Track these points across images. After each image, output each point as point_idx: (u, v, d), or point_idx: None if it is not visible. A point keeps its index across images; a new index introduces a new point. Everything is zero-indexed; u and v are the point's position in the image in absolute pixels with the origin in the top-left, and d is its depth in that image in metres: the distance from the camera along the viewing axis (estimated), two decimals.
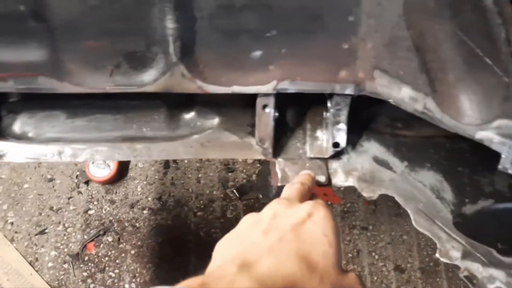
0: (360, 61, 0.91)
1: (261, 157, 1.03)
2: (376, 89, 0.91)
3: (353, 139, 1.03)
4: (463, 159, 1.02)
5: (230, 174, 1.92)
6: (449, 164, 1.01)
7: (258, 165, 1.94)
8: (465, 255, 0.94)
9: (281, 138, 1.03)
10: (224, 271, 0.55)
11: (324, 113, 1.00)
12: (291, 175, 1.00)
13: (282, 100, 1.00)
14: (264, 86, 0.92)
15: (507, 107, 0.81)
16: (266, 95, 0.93)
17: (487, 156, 0.97)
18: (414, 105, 0.89)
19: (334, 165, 1.02)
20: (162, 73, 0.91)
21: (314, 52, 0.91)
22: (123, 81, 0.92)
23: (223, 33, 0.90)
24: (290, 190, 0.78)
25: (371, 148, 1.03)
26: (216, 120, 1.05)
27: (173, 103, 1.06)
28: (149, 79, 0.91)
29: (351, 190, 1.92)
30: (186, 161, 1.94)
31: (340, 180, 1.01)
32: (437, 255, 0.96)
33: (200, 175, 1.91)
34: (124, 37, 0.88)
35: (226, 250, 0.64)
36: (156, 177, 1.90)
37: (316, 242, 0.61)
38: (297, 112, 1.05)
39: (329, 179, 1.01)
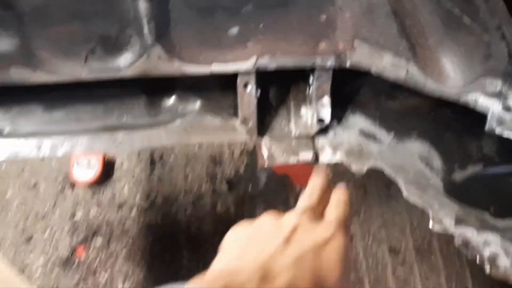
0: (339, 32, 0.90)
1: (246, 138, 1.01)
2: (358, 59, 0.90)
3: (338, 113, 1.02)
4: (449, 126, 1.01)
5: (217, 167, 1.89)
6: (436, 131, 1.00)
7: (246, 156, 1.92)
8: (459, 221, 0.93)
9: (265, 117, 1.01)
10: (247, 279, 0.55)
11: (307, 89, 0.99)
12: (278, 154, 0.99)
13: (264, 78, 0.99)
14: (243, 63, 0.90)
15: (489, 65, 0.80)
16: (247, 73, 0.91)
17: (473, 121, 0.96)
18: (396, 72, 0.88)
19: (320, 141, 1.00)
20: (139, 56, 0.88)
21: (292, 25, 0.90)
22: (99, 67, 0.89)
23: (198, 10, 0.88)
24: (310, 201, 0.74)
25: (357, 121, 1.02)
26: (198, 104, 1.03)
27: (153, 89, 1.03)
28: (125, 64, 0.89)
29: (340, 176, 1.91)
30: (172, 157, 1.91)
31: (327, 156, 1.00)
32: (430, 225, 0.94)
33: (187, 171, 1.88)
34: (96, 20, 0.86)
35: (242, 245, 0.63)
36: (143, 175, 1.87)
37: (333, 268, 0.61)
38: (280, 90, 1.03)
39: (316, 156, 0.99)
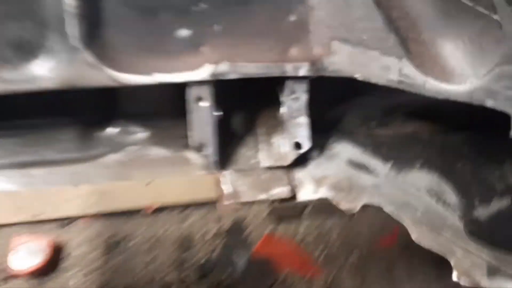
0: (313, 34, 0.74)
1: (202, 171, 0.78)
2: (337, 66, 0.72)
3: (320, 142, 0.81)
4: (460, 154, 0.80)
5: (186, 252, 1.60)
6: (445, 160, 0.79)
7: (219, 238, 1.64)
8: (492, 272, 0.68)
9: (227, 147, 0.80)
10: None
11: (280, 110, 0.79)
12: (244, 190, 0.76)
13: (224, 101, 0.80)
14: (195, 72, 0.71)
15: (503, 50, 0.63)
16: (200, 84, 0.72)
17: (490, 145, 0.76)
18: (386, 75, 0.70)
19: (299, 174, 0.78)
20: (61, 62, 0.69)
21: (255, 27, 0.74)
22: (10, 76, 0.70)
23: (139, 9, 0.71)
24: None
25: (343, 150, 0.81)
26: (143, 134, 0.82)
27: (87, 120, 0.83)
28: (44, 72, 0.70)
29: (333, 257, 1.63)
30: (132, 242, 1.63)
31: (308, 192, 0.77)
32: (454, 278, 0.69)
33: (150, 257, 1.58)
34: (7, 21, 0.69)
35: None
36: (98, 263, 1.57)
37: None
38: (246, 116, 0.84)
39: (293, 191, 0.76)
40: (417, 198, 0.75)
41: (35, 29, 0.69)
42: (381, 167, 0.79)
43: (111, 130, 0.82)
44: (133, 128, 0.82)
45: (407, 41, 0.69)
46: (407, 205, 0.75)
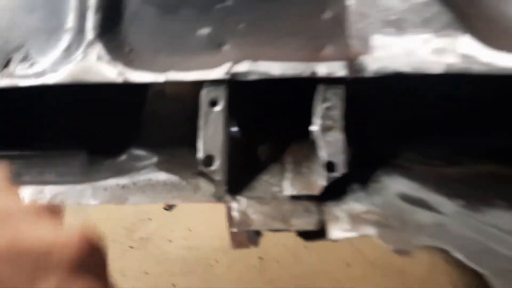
0: (350, 30, 0.62)
1: (209, 199, 0.62)
2: (379, 62, 0.59)
3: (363, 175, 0.63)
4: None
5: None
6: None
7: None
8: None
9: (245, 170, 0.65)
10: None
11: (310, 129, 0.64)
12: (256, 218, 0.58)
13: (249, 123, 0.68)
14: (212, 71, 0.62)
15: None
16: (216, 84, 0.62)
17: None
18: (442, 58, 0.54)
19: (333, 208, 0.59)
20: (70, 54, 0.65)
21: (285, 26, 0.65)
22: (23, 72, 0.65)
23: (160, 6, 0.67)
24: None
25: (394, 184, 0.61)
26: (153, 160, 0.70)
27: (97, 148, 0.74)
28: (50, 65, 0.65)
29: None
30: None
31: (343, 227, 0.57)
32: None
33: None
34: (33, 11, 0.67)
35: None
36: None
37: None
38: (274, 144, 0.70)
39: (322, 225, 0.57)
40: (502, 242, 0.51)
41: (57, 19, 0.66)
42: (447, 203, 0.57)
43: (121, 158, 0.72)
44: (142, 154, 0.71)
45: (470, 17, 0.55)
46: (488, 251, 0.51)
